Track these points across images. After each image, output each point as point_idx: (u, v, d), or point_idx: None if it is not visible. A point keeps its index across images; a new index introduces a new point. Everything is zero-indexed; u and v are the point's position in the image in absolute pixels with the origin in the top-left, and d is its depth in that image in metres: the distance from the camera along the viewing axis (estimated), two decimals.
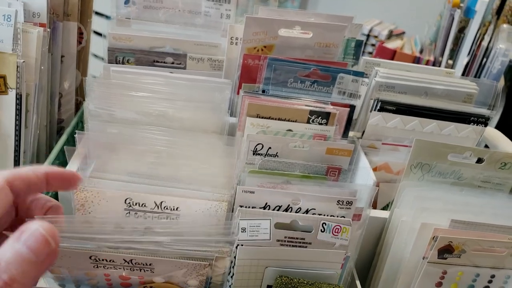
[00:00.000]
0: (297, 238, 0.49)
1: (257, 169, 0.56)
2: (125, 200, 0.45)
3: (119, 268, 0.41)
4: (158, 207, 0.45)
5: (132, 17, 0.75)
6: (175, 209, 0.45)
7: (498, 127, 1.05)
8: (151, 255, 0.40)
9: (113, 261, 0.40)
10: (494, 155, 0.58)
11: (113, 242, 0.39)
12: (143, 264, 0.40)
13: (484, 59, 1.60)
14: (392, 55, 1.90)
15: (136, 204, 0.45)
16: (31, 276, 0.28)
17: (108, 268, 0.41)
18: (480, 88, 0.71)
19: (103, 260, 0.40)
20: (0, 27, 0.56)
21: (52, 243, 0.29)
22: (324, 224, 0.48)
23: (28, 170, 0.33)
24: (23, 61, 0.57)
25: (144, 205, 0.45)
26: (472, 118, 0.66)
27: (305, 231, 0.49)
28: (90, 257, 0.40)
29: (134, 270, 0.41)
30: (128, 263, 0.40)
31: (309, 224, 0.48)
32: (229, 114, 0.68)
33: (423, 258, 0.51)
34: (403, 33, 2.14)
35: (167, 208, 0.45)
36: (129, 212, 0.45)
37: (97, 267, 0.40)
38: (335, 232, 0.49)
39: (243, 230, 0.48)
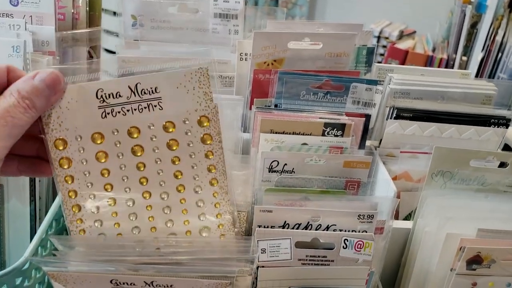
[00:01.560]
0: (319, 256, 0.48)
1: (274, 187, 0.55)
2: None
3: None
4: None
5: (140, 38, 0.75)
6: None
7: None
8: (172, 276, 0.39)
9: (134, 284, 0.39)
10: None
11: (133, 263, 0.39)
12: (164, 286, 0.40)
13: (499, 54, 1.58)
14: (404, 55, 1.88)
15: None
16: (43, 104, 0.35)
17: None
18: (498, 88, 0.69)
19: (124, 283, 0.39)
20: (10, 58, 0.56)
21: (63, 81, 0.36)
22: (346, 241, 0.47)
23: None
24: None
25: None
26: (493, 120, 0.64)
27: (327, 248, 0.48)
28: (111, 281, 0.39)
29: None
30: (149, 285, 0.40)
31: (331, 241, 0.47)
32: (243, 130, 0.67)
33: (451, 270, 0.49)
34: (414, 32, 2.12)
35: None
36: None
37: None
38: (357, 248, 0.48)
39: (263, 251, 0.47)
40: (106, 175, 0.40)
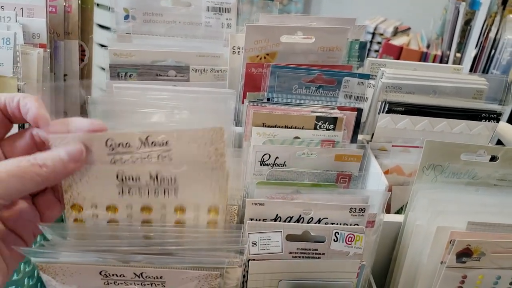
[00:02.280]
0: (310, 249, 0.48)
1: (266, 180, 0.55)
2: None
3: (130, 284, 0.40)
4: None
5: (133, 32, 0.74)
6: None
7: (510, 121, 1.03)
8: (161, 267, 0.39)
9: (123, 276, 0.39)
10: (509, 151, 0.56)
11: (122, 253, 0.39)
12: (154, 278, 0.40)
13: (493, 51, 1.58)
14: (398, 52, 1.88)
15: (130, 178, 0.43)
16: (60, 171, 0.35)
17: (118, 284, 0.40)
18: (490, 83, 0.69)
19: (113, 275, 0.39)
20: (0, 50, 0.56)
21: (84, 154, 0.36)
22: (336, 234, 0.47)
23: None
24: (24, 83, 0.56)
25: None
26: (484, 114, 0.65)
27: (318, 241, 0.48)
28: (100, 273, 0.39)
29: (145, 285, 0.40)
30: (139, 277, 0.40)
31: (322, 234, 0.47)
32: (235, 124, 0.67)
33: (441, 263, 0.49)
34: (409, 29, 2.12)
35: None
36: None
37: (108, 283, 0.40)
38: (348, 241, 0.48)
39: (254, 244, 0.47)
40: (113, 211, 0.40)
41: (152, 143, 0.37)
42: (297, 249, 0.47)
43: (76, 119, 0.37)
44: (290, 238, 0.47)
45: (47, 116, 0.35)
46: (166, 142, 0.38)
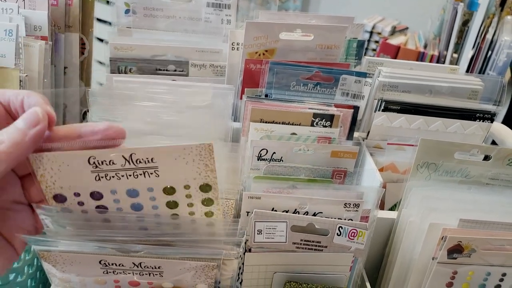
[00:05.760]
0: (313, 241, 0.48)
1: (262, 175, 0.56)
2: None
3: (129, 273, 0.41)
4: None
5: (133, 26, 0.75)
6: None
7: (505, 121, 1.04)
8: (160, 257, 0.40)
9: (122, 265, 0.40)
10: (502, 151, 0.57)
11: (121, 242, 0.39)
12: (152, 268, 0.41)
13: (489, 52, 1.59)
14: (396, 51, 1.89)
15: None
16: (21, 141, 0.32)
17: (117, 273, 0.41)
18: (485, 83, 0.70)
19: (112, 264, 0.40)
20: (2, 42, 0.56)
21: (41, 115, 0.33)
22: (340, 228, 0.48)
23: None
24: (26, 75, 0.57)
25: None
26: (478, 114, 0.66)
27: (321, 234, 0.49)
28: (100, 262, 0.40)
29: (143, 274, 0.41)
30: (137, 266, 0.40)
31: (325, 228, 0.48)
32: (233, 119, 0.68)
33: (433, 259, 0.50)
34: (406, 28, 2.13)
35: None
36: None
37: (107, 272, 0.41)
38: (351, 236, 0.49)
39: (259, 232, 0.47)
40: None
41: (137, 160, 0.36)
42: (301, 240, 0.48)
43: (91, 123, 0.35)
44: (294, 229, 0.48)
45: (53, 114, 0.34)
46: (152, 159, 0.36)
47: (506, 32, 1.53)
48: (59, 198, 0.38)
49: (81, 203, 0.38)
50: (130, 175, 0.37)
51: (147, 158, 0.36)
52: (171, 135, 0.57)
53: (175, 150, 0.36)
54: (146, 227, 0.40)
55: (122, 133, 0.36)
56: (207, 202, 0.40)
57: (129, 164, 0.36)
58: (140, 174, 0.37)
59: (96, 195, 0.38)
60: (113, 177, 0.37)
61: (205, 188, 0.39)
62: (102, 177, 0.37)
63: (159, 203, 0.39)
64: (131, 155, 0.36)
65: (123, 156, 0.36)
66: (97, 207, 0.39)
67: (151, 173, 0.37)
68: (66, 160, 0.36)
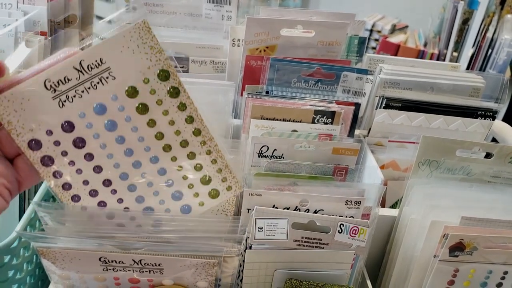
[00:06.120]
0: (314, 239, 0.48)
1: (263, 172, 0.55)
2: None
3: (129, 270, 0.41)
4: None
5: (133, 22, 0.74)
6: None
7: (505, 119, 1.04)
8: (160, 254, 0.40)
9: (122, 262, 0.40)
10: (503, 149, 0.57)
11: (122, 239, 0.39)
12: (152, 265, 0.40)
13: (490, 50, 1.59)
14: (396, 49, 1.89)
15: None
16: None
17: (117, 270, 0.41)
18: (486, 81, 0.70)
19: (112, 261, 0.40)
20: (1, 37, 0.56)
21: None
22: (341, 225, 0.48)
23: None
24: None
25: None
26: (480, 112, 0.65)
27: (322, 231, 0.48)
28: (99, 259, 0.40)
29: (143, 272, 0.41)
30: (138, 264, 0.40)
31: (327, 225, 0.48)
32: (234, 116, 0.68)
33: (434, 257, 0.50)
34: (407, 26, 2.13)
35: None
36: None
37: (107, 269, 0.40)
38: (352, 233, 0.48)
39: (260, 229, 0.47)
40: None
41: (88, 66, 0.36)
42: (302, 237, 0.48)
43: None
44: (295, 226, 0.48)
45: (3, 63, 0.35)
46: (101, 60, 0.36)
47: (506, 30, 1.53)
48: (35, 146, 0.37)
49: (57, 143, 0.38)
50: (89, 88, 0.37)
51: (96, 61, 0.36)
52: None
53: (117, 40, 0.37)
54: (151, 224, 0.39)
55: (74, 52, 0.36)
56: (196, 132, 0.41)
57: (83, 74, 0.36)
58: (98, 83, 0.37)
59: (67, 127, 0.38)
60: (74, 97, 0.37)
61: (163, 74, 0.38)
62: (65, 101, 0.37)
63: (130, 112, 0.38)
64: (80, 62, 0.36)
65: (74, 68, 0.36)
66: (74, 141, 0.38)
67: (107, 77, 0.37)
68: (25, 94, 0.35)
